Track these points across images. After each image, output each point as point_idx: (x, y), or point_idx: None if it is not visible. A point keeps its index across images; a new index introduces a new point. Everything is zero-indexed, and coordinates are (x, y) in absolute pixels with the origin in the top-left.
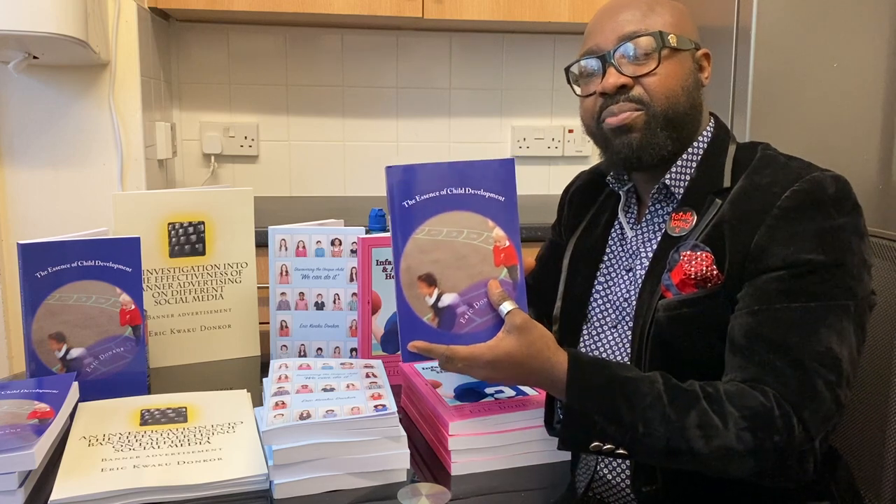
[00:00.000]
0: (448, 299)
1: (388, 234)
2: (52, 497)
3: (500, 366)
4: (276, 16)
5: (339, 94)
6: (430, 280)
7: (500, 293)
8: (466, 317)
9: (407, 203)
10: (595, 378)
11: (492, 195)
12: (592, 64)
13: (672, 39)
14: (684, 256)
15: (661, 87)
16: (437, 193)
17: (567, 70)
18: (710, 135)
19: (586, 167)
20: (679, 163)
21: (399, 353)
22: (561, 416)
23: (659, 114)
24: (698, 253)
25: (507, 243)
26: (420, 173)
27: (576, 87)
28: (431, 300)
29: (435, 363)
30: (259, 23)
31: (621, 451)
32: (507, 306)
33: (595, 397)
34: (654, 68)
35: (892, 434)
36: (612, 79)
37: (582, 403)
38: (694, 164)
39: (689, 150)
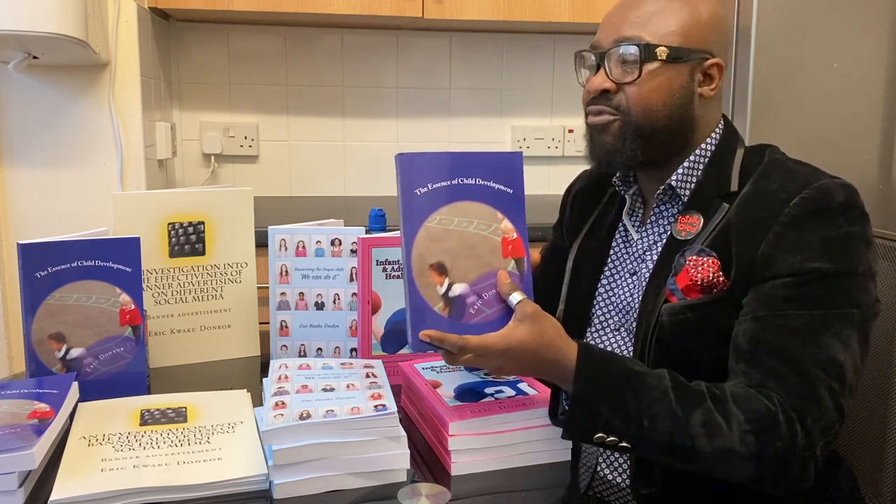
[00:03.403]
0: (458, 289)
1: (387, 235)
2: (52, 497)
3: (512, 355)
4: (276, 16)
5: (339, 94)
6: (441, 269)
7: (509, 284)
8: (476, 307)
9: (419, 191)
10: (604, 369)
11: (500, 187)
12: (590, 59)
13: (661, 52)
14: (690, 261)
15: (639, 99)
16: (449, 182)
17: (576, 56)
18: (718, 137)
19: (587, 167)
20: (686, 164)
21: (398, 353)
22: (566, 407)
23: (632, 124)
24: (704, 258)
25: (515, 235)
26: (431, 161)
27: (578, 74)
28: (442, 289)
29: (435, 363)
30: (259, 23)
31: (624, 445)
32: (516, 296)
33: (603, 388)
34: (635, 79)
35: (892, 435)
36: (597, 81)
37: (590, 393)
38: (701, 167)
39: (697, 151)
